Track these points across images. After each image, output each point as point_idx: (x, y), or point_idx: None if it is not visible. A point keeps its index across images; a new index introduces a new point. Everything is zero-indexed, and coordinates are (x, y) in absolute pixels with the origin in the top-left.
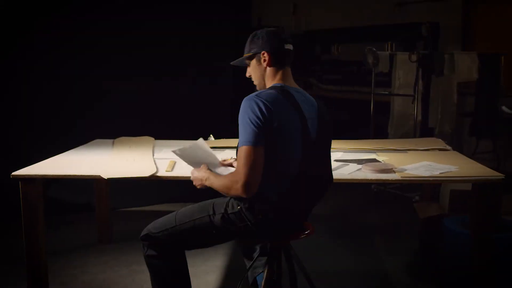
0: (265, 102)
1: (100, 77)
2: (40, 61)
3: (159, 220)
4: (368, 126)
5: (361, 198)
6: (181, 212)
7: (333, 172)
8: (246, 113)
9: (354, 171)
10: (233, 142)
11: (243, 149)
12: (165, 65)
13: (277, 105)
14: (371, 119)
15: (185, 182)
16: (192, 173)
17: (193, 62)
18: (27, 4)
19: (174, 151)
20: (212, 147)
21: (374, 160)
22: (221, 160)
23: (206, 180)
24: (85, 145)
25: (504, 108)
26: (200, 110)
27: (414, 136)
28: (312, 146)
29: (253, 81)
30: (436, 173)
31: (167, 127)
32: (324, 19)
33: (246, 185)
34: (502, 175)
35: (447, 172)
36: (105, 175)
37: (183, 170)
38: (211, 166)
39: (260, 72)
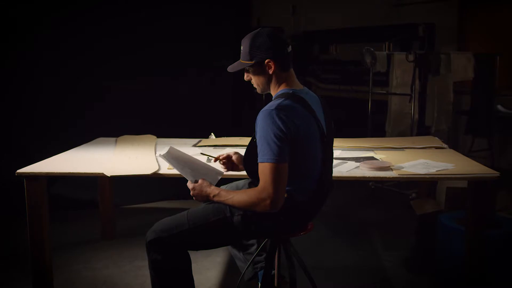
0: (286, 115)
1: (102, 77)
2: (40, 61)
3: (165, 222)
4: (366, 125)
5: (359, 195)
6: (193, 214)
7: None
8: (270, 128)
9: (352, 168)
10: (234, 140)
11: (269, 166)
12: (166, 65)
13: (296, 116)
14: (369, 117)
15: (186, 179)
16: (192, 188)
17: (194, 62)
18: (28, 4)
19: (161, 155)
20: (213, 145)
21: (372, 158)
22: (218, 156)
23: (215, 196)
24: (88, 143)
25: (499, 107)
26: (201, 109)
27: (411, 135)
28: (327, 145)
29: (252, 85)
30: (433, 170)
31: (168, 126)
32: (322, 19)
33: (275, 201)
34: (497, 172)
35: (444, 169)
36: (108, 173)
37: None
38: (201, 175)
39: (264, 79)
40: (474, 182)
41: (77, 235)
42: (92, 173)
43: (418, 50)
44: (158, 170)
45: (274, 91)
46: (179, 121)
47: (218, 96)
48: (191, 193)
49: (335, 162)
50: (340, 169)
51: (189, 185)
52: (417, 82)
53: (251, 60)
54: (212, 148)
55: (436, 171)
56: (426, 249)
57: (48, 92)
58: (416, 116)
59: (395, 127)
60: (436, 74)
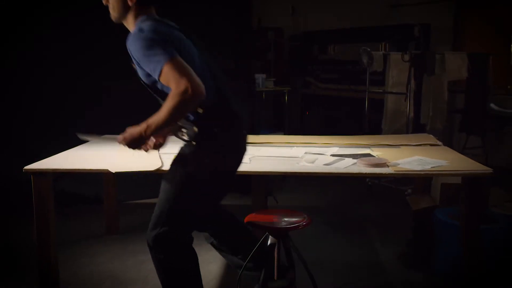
0: (150, 27)
1: (102, 77)
2: (40, 61)
3: (153, 218)
4: (363, 123)
5: (356, 192)
6: (165, 194)
7: (330, 167)
8: (143, 43)
9: (350, 165)
10: None
11: (167, 66)
12: None
13: (160, 26)
14: (366, 116)
15: None
16: (123, 139)
17: None
18: (29, 4)
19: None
20: None
21: (369, 155)
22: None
23: (146, 129)
24: (93, 141)
25: (492, 105)
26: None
27: (407, 132)
28: (211, 62)
29: (108, 9)
30: (428, 167)
31: None
32: (322, 20)
33: (195, 87)
34: (490, 169)
35: (438, 166)
36: (113, 169)
37: None
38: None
39: (122, 4)
40: (468, 178)
41: (82, 231)
42: (97, 170)
43: (414, 50)
44: (161, 166)
45: (131, 25)
46: None
47: None
48: (123, 144)
49: (332, 159)
50: (338, 166)
51: (119, 138)
52: (412, 81)
53: None
54: None
55: (431, 167)
56: (422, 244)
57: (48, 92)
58: (412, 114)
59: (391, 125)
60: (431, 74)
